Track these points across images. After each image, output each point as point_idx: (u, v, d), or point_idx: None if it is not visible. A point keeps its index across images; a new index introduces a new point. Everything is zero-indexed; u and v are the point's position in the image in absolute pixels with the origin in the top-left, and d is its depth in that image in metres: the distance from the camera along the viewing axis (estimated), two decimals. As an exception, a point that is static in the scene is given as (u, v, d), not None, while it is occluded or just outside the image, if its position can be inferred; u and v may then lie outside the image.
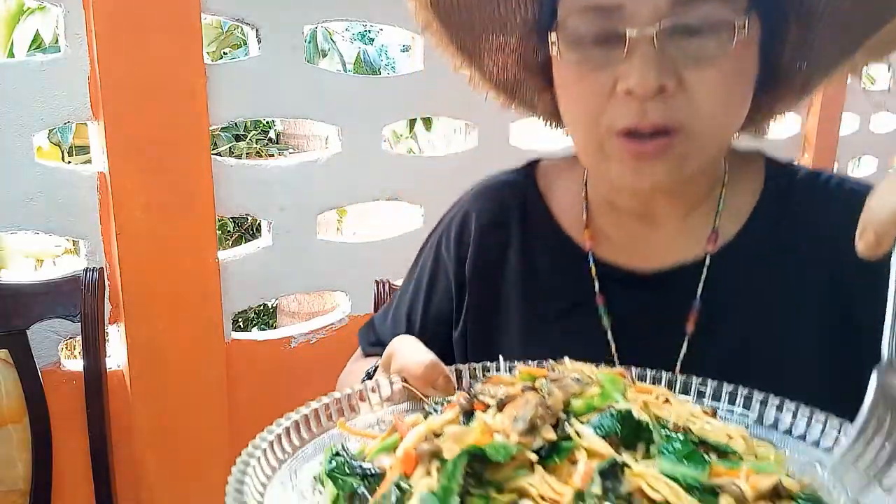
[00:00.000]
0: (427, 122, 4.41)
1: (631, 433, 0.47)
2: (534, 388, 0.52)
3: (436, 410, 0.55)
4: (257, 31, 1.54)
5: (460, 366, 0.62)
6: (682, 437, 0.47)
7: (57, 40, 2.40)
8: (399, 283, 1.00)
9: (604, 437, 0.46)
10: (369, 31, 7.36)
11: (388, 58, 7.24)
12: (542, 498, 0.42)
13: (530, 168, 0.88)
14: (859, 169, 3.25)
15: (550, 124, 0.85)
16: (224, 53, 4.71)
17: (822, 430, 0.52)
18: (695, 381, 0.60)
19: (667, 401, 0.54)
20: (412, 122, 4.37)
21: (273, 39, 1.55)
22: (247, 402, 1.62)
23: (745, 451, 0.49)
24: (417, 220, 1.86)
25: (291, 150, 5.17)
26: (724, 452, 0.48)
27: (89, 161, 1.59)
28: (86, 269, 1.38)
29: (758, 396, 0.57)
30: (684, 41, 0.63)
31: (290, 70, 1.58)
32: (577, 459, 0.45)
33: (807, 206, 0.75)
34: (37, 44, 3.65)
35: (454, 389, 0.58)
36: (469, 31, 0.77)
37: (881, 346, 0.48)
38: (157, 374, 1.50)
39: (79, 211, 1.43)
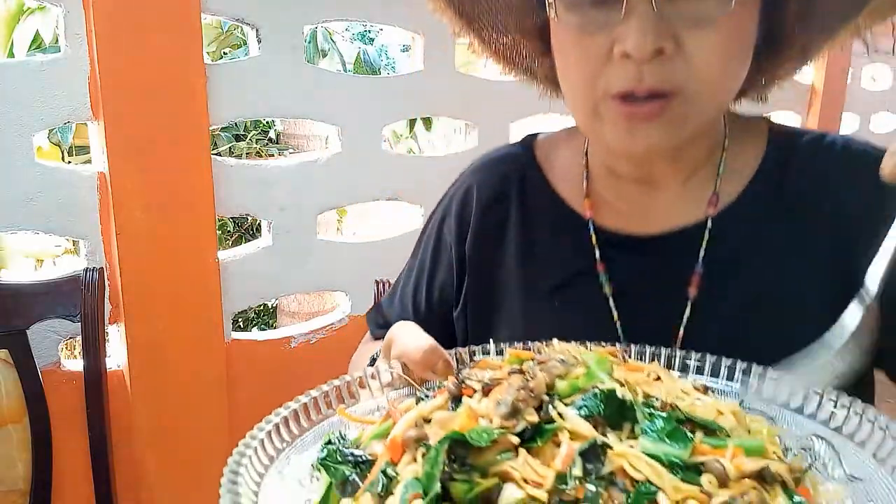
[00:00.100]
0: (427, 122, 4.41)
1: (615, 413, 0.47)
2: (521, 372, 0.52)
3: (427, 396, 0.55)
4: (257, 31, 1.54)
5: (460, 350, 0.62)
6: (664, 416, 0.47)
7: (57, 40, 2.40)
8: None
9: (587, 418, 0.46)
10: (369, 31, 7.35)
11: (388, 58, 7.24)
12: (525, 481, 0.42)
13: (528, 141, 0.88)
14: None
15: (549, 92, 0.85)
16: (224, 53, 4.70)
17: (819, 404, 0.53)
18: (693, 357, 0.59)
19: (658, 378, 0.54)
20: (412, 122, 4.37)
21: (273, 39, 1.55)
22: (247, 402, 1.61)
23: (736, 427, 0.49)
24: (417, 220, 1.86)
25: (291, 150, 5.16)
26: (711, 430, 0.47)
27: (89, 161, 1.60)
28: (86, 269, 1.38)
29: (756, 370, 0.56)
30: (683, 2, 0.62)
31: (290, 70, 1.58)
32: (561, 441, 0.45)
33: (810, 167, 0.74)
34: (37, 44, 3.65)
35: (454, 373, 0.58)
36: None
37: (866, 278, 0.49)
38: (157, 374, 1.50)
39: (79, 211, 1.43)
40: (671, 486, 0.41)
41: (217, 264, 1.54)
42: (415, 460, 0.45)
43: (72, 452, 1.41)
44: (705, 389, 0.54)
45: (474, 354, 0.62)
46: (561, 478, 0.42)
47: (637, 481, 0.42)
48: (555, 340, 0.60)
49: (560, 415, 0.47)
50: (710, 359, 0.59)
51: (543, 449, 0.45)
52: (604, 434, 0.45)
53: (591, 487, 0.42)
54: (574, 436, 0.45)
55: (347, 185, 1.72)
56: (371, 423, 0.54)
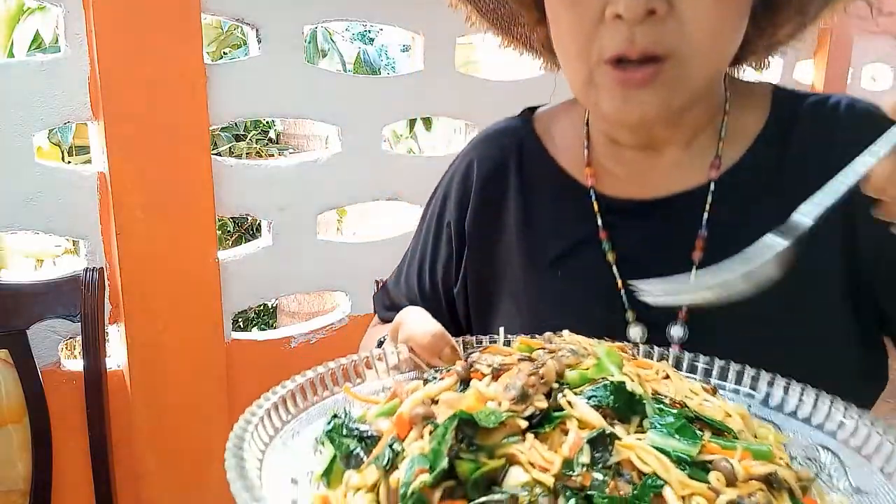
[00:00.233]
0: (427, 122, 4.42)
1: (624, 405, 0.47)
2: (530, 359, 0.52)
3: (434, 378, 0.55)
4: (257, 31, 1.54)
5: (467, 337, 0.62)
6: (675, 412, 0.46)
7: (57, 40, 2.40)
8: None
9: (596, 409, 0.46)
10: (369, 31, 7.36)
11: (388, 58, 7.24)
12: (532, 465, 0.42)
13: (527, 114, 0.88)
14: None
15: (546, 64, 0.84)
16: (224, 53, 4.71)
17: (828, 414, 0.52)
18: (701, 360, 0.59)
19: (667, 376, 0.54)
20: (412, 122, 4.38)
21: (273, 39, 1.55)
22: (247, 403, 1.59)
23: (744, 430, 0.48)
24: (417, 220, 1.86)
25: (291, 150, 5.16)
26: (719, 430, 0.47)
27: (89, 161, 1.60)
28: (86, 269, 1.38)
29: (765, 377, 0.56)
30: None
31: (290, 70, 1.58)
32: (569, 429, 0.45)
33: (815, 128, 0.73)
34: (37, 44, 3.65)
35: (460, 359, 0.58)
36: None
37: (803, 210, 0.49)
38: (157, 374, 1.50)
39: (79, 211, 1.43)
40: (678, 481, 0.41)
41: (217, 264, 1.53)
42: (421, 437, 0.45)
43: (72, 452, 1.41)
44: (714, 391, 0.54)
45: (481, 342, 0.62)
46: (568, 464, 0.42)
47: (644, 474, 0.42)
48: (565, 332, 0.60)
49: (569, 403, 0.47)
50: (718, 363, 0.58)
51: (551, 435, 0.45)
52: (611, 426, 0.45)
53: (598, 476, 0.41)
54: (582, 424, 0.45)
55: (347, 185, 1.72)
56: (376, 403, 0.54)
